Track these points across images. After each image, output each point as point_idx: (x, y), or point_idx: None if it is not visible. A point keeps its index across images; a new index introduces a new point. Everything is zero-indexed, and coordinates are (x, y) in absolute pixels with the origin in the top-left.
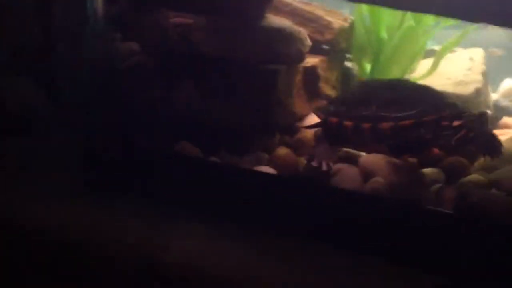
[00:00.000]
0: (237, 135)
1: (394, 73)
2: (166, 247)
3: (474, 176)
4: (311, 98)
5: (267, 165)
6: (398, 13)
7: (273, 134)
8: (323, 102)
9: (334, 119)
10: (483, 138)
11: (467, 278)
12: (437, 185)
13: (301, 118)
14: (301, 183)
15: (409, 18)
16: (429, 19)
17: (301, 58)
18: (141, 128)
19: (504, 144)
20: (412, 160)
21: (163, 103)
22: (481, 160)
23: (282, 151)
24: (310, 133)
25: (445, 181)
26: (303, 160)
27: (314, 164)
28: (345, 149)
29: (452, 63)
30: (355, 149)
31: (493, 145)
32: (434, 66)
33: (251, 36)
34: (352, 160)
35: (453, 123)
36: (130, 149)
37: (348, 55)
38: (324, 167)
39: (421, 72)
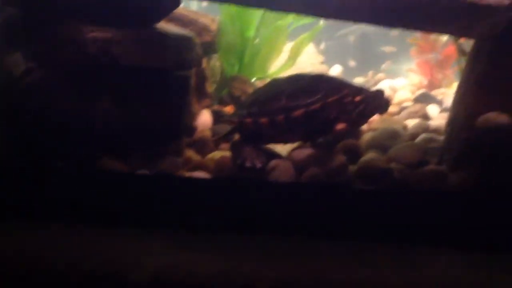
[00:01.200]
0: (153, 141)
1: (259, 67)
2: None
3: (371, 155)
4: (200, 98)
5: (197, 170)
6: (266, 14)
7: (181, 137)
8: (208, 101)
9: (249, 120)
10: (373, 96)
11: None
12: (353, 167)
13: (195, 117)
14: (243, 183)
15: (276, 18)
16: (290, 19)
17: (200, 62)
18: (56, 145)
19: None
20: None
21: (80, 119)
22: (365, 138)
23: (216, 154)
24: (207, 132)
25: (348, 162)
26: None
27: (248, 164)
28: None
29: (303, 57)
30: (276, 142)
31: (382, 103)
32: (293, 60)
33: (163, 45)
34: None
35: (355, 99)
36: (43, 171)
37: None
38: (258, 165)
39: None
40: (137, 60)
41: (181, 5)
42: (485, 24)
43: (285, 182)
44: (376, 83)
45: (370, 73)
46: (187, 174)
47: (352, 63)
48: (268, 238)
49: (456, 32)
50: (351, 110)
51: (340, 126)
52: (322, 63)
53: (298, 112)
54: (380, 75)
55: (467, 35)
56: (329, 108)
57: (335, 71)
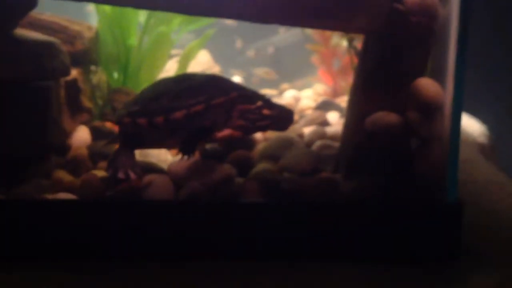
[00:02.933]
0: (12, 164)
1: (144, 78)
2: None
3: (264, 165)
4: (74, 113)
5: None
6: (148, 20)
7: (49, 157)
8: (86, 116)
9: (127, 120)
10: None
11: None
12: (239, 179)
13: (69, 135)
14: (108, 203)
15: (159, 23)
16: (175, 24)
17: (67, 72)
18: None
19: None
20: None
21: None
22: (258, 148)
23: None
24: (83, 150)
25: (237, 174)
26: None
27: (120, 175)
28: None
29: (196, 66)
30: (159, 147)
31: (284, 120)
32: (183, 69)
33: (16, 52)
34: (159, 170)
35: (263, 111)
36: None
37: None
38: (132, 176)
39: (170, 74)
40: None
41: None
42: (365, 16)
43: (158, 201)
44: (280, 93)
45: (282, 86)
46: (50, 197)
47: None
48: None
49: (339, 27)
50: (253, 119)
51: (225, 132)
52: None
53: (179, 114)
54: (285, 85)
55: (348, 29)
56: (213, 111)
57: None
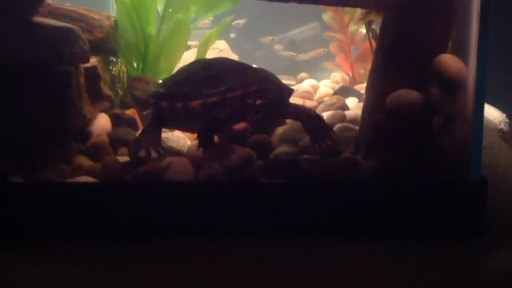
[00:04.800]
0: (32, 149)
1: (163, 66)
2: None
3: (284, 148)
4: (94, 100)
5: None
6: (166, 8)
7: (69, 142)
8: (106, 104)
9: (151, 100)
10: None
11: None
12: (258, 161)
13: (89, 122)
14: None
15: (177, 11)
16: (192, 12)
17: (86, 58)
18: None
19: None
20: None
21: None
22: (278, 132)
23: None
24: (104, 137)
25: (257, 157)
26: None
27: (142, 153)
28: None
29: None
30: (181, 130)
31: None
32: (202, 55)
33: (35, 37)
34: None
35: (256, 101)
36: None
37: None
38: (154, 155)
39: None
40: (4, 55)
41: None
42: None
43: (178, 182)
44: (299, 82)
45: (300, 75)
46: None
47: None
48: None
49: (359, 3)
50: (254, 111)
51: (240, 126)
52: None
53: (195, 103)
54: (303, 74)
55: (368, 5)
56: (229, 103)
57: None
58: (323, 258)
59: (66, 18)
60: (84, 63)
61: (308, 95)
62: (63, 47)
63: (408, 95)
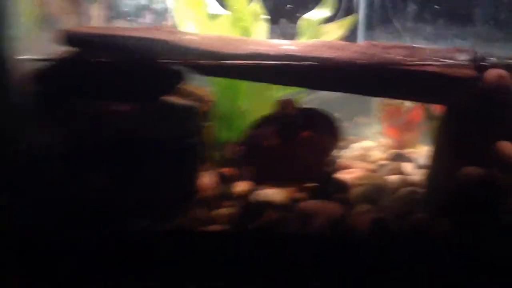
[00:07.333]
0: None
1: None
2: None
3: (366, 206)
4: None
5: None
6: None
7: (189, 197)
8: (209, 164)
9: None
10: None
11: None
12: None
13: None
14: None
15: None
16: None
17: (202, 130)
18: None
19: None
20: None
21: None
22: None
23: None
24: (210, 191)
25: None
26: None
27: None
28: None
29: None
30: None
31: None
32: None
33: (171, 115)
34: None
35: None
36: None
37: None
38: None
39: None
40: (152, 131)
41: None
42: (455, 93)
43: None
44: (348, 145)
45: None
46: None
47: None
48: None
49: (430, 101)
50: None
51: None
52: None
53: None
54: (351, 137)
55: (438, 102)
56: None
57: None
58: None
59: (178, 94)
60: (199, 135)
61: (364, 157)
62: (191, 123)
63: (475, 171)
